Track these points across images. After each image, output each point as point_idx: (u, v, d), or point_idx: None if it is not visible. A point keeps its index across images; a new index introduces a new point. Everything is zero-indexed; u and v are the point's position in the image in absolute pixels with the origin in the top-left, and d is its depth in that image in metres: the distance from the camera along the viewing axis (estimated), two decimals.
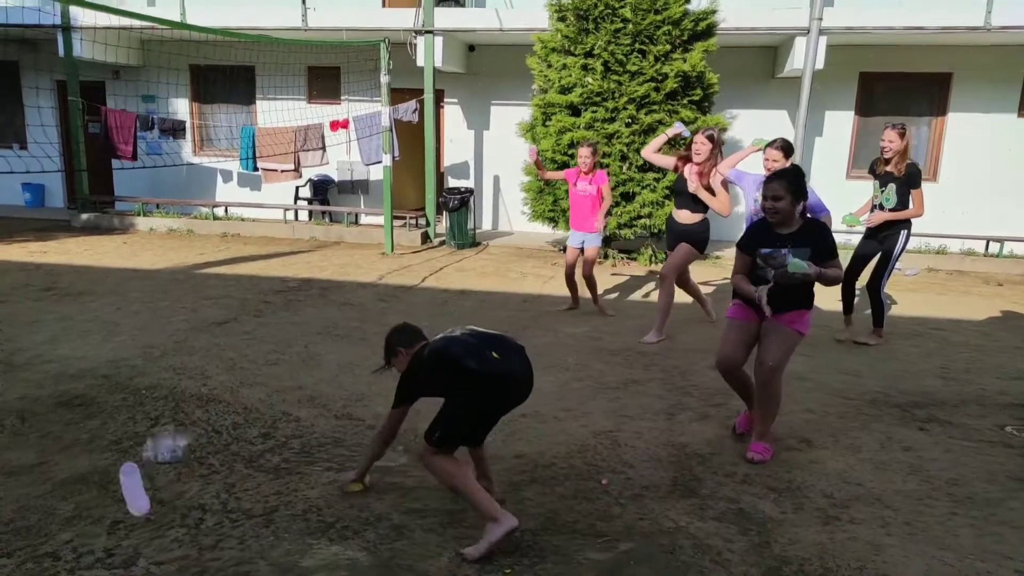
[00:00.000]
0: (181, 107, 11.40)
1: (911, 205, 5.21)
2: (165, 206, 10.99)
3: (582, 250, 5.97)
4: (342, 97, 11.01)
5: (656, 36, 8.13)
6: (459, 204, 9.59)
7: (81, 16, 9.84)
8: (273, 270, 7.79)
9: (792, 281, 3.13)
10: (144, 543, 2.63)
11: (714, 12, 8.39)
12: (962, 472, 3.29)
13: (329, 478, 3.17)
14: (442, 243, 9.94)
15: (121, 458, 3.29)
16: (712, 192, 5.18)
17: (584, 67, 8.38)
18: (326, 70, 10.95)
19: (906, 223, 5.28)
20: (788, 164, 4.56)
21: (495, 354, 2.64)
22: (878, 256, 5.40)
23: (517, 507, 2.93)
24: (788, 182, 3.14)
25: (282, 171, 10.28)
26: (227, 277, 7.35)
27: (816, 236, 3.19)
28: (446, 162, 11.16)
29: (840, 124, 9.96)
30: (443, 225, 10.08)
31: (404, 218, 10.17)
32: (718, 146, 5.26)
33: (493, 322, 5.92)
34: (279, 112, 10.38)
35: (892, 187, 5.21)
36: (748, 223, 4.50)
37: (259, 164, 10.30)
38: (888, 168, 5.22)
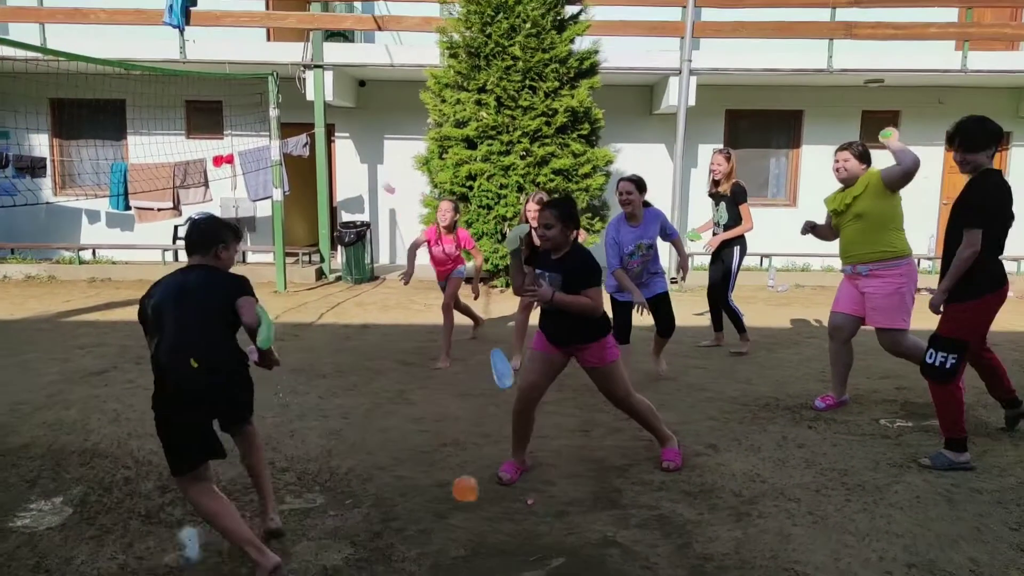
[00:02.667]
0: (40, 143, 10.51)
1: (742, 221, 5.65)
2: (21, 251, 10.03)
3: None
4: (225, 132, 10.60)
5: (545, 73, 8.49)
6: (355, 238, 9.43)
7: None
8: None
9: (544, 305, 3.22)
10: None
11: (596, 52, 8.89)
12: (850, 463, 3.59)
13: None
14: (338, 279, 9.71)
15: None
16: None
17: (478, 102, 8.58)
18: (207, 104, 10.52)
19: (740, 239, 5.69)
20: (643, 198, 4.65)
21: (194, 362, 2.54)
22: (720, 273, 5.76)
23: (446, 535, 2.89)
24: (560, 211, 3.20)
25: (159, 209, 9.69)
26: (101, 324, 6.79)
27: (569, 265, 3.23)
28: (339, 196, 10.97)
29: (711, 156, 10.75)
30: (338, 260, 9.86)
31: (296, 255, 9.86)
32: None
33: (401, 354, 5.84)
34: (154, 147, 9.80)
35: (723, 205, 5.68)
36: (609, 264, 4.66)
37: (132, 202, 9.66)
38: (719, 189, 5.69)
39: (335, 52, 9.66)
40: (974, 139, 3.35)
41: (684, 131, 9.50)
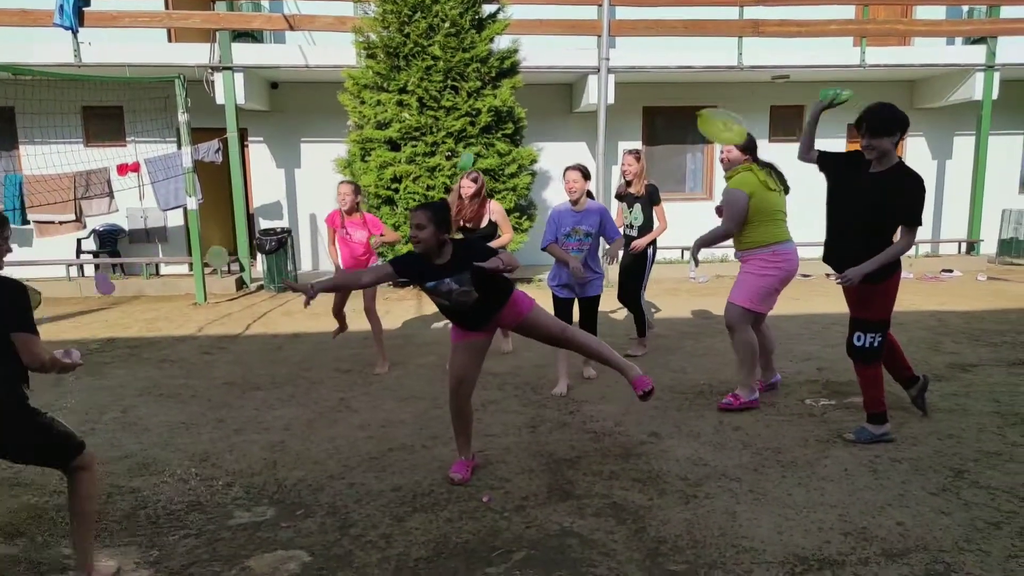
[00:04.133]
0: None
1: (656, 221, 5.64)
2: None
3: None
4: (128, 138, 10.03)
5: (466, 73, 8.49)
6: (276, 246, 9.14)
7: None
8: (65, 333, 6.83)
9: (471, 297, 3.17)
10: None
11: (516, 51, 8.96)
12: (782, 442, 3.80)
13: (191, 545, 2.86)
14: (260, 288, 9.38)
15: None
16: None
17: (400, 103, 8.49)
18: (106, 109, 9.91)
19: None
20: (587, 186, 4.77)
21: None
22: (633, 273, 5.73)
23: (406, 538, 2.88)
24: (433, 212, 3.12)
25: (60, 222, 9.08)
26: None
27: (468, 256, 3.17)
28: (255, 203, 10.60)
29: (622, 156, 11.04)
30: (259, 269, 9.53)
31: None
32: (483, 187, 5.31)
33: (337, 361, 5.72)
34: (50, 156, 9.15)
35: (637, 206, 5.61)
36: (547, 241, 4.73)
37: (30, 216, 9.00)
38: (631, 190, 5.64)
39: (245, 53, 9.31)
40: (881, 124, 3.47)
41: (604, 129, 9.73)
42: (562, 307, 4.79)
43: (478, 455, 3.61)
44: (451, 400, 3.41)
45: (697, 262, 4.56)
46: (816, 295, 8.42)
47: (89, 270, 9.82)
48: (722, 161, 4.38)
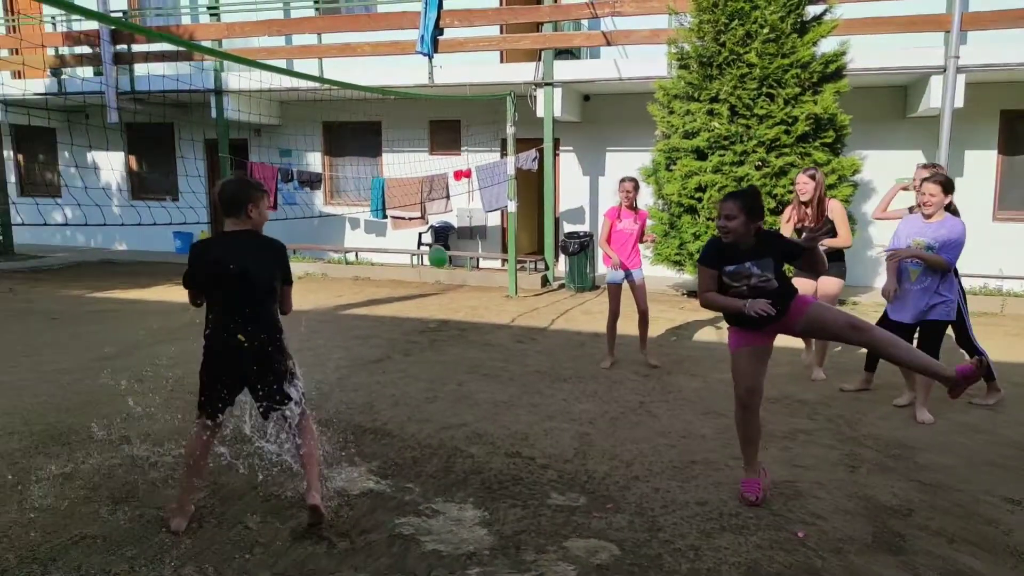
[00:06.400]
0: (314, 160, 12.28)
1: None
2: (301, 252, 11.77)
3: (621, 289, 5.99)
4: (462, 148, 11.54)
5: (784, 80, 8.09)
6: (578, 248, 9.74)
7: (228, 81, 10.93)
8: (410, 311, 8.15)
9: (771, 286, 3.20)
10: None
11: (843, 53, 8.26)
12: None
13: (518, 515, 3.26)
14: (561, 286, 10.10)
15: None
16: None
17: (710, 112, 8.42)
18: (447, 123, 11.54)
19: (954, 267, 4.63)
20: (948, 200, 4.42)
21: (241, 326, 2.95)
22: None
23: (715, 555, 2.91)
24: (744, 202, 3.16)
25: (409, 219, 10.81)
26: (369, 318, 7.76)
27: (773, 244, 3.25)
28: (561, 208, 11.40)
29: (982, 164, 9.46)
30: (560, 268, 10.24)
31: (524, 262, 10.43)
32: (821, 184, 5.16)
33: (635, 365, 5.94)
34: (403, 165, 10.99)
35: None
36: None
37: (389, 212, 10.88)
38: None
39: (564, 69, 10.06)
40: None
41: (949, 136, 8.47)
42: (893, 331, 4.38)
43: (786, 485, 3.48)
44: (739, 411, 3.38)
45: None
46: None
47: (426, 260, 11.57)
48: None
